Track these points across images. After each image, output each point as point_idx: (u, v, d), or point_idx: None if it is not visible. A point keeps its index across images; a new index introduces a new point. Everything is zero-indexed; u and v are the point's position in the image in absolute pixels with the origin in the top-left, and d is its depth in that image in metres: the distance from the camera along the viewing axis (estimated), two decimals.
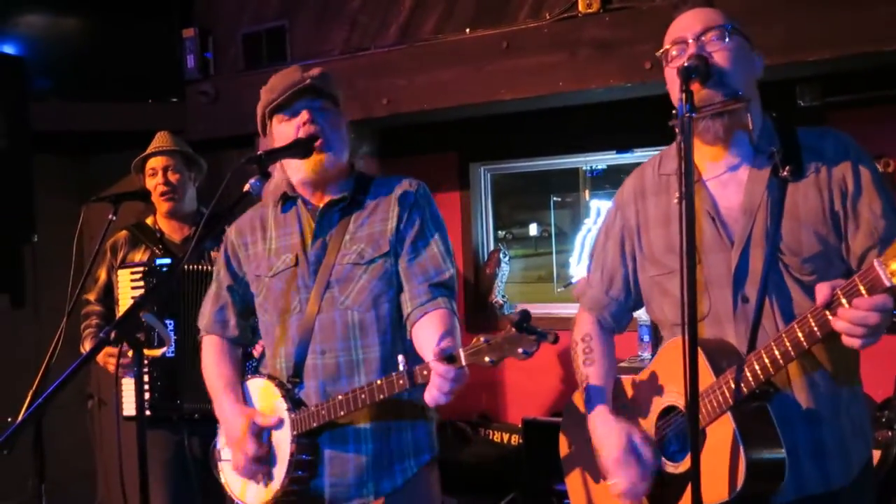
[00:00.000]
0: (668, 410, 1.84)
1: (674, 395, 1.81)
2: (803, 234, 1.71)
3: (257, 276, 2.21)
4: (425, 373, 1.82)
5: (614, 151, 4.22)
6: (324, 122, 2.09)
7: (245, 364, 2.42)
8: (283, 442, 2.08)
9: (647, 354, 3.77)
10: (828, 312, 1.48)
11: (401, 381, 1.88)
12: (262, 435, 2.11)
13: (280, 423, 2.09)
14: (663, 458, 1.83)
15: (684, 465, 1.77)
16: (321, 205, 2.16)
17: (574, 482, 2.10)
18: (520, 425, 4.13)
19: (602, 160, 4.41)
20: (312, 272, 2.11)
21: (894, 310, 1.47)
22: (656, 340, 3.66)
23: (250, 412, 2.13)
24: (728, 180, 1.80)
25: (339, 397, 1.99)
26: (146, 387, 2.85)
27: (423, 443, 2.16)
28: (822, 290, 1.48)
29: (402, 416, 2.11)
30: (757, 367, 1.62)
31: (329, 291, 2.08)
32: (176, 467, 3.06)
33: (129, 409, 2.98)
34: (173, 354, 3.00)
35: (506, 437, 4.24)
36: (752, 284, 1.73)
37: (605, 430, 1.88)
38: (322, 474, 2.08)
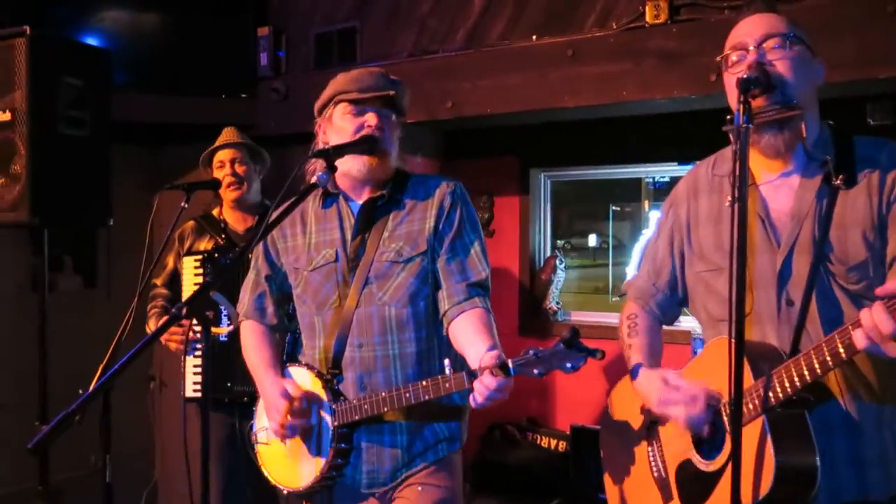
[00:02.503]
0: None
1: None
2: (850, 242, 1.71)
3: (296, 269, 2.29)
4: (472, 381, 1.89)
5: (676, 163, 4.20)
6: (386, 132, 2.19)
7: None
8: (324, 431, 2.17)
9: None
10: None
11: (447, 385, 1.95)
12: (300, 402, 2.18)
13: (320, 404, 2.18)
14: (696, 456, 1.84)
15: (716, 463, 1.78)
16: (361, 201, 2.24)
17: (610, 485, 2.14)
18: (568, 432, 4.15)
19: (663, 171, 4.38)
20: (352, 268, 2.19)
21: None
22: None
23: (288, 381, 2.22)
24: (780, 185, 1.81)
25: (384, 394, 2.06)
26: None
27: (455, 434, 2.25)
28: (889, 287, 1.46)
29: (440, 414, 2.20)
30: (794, 374, 1.62)
31: (368, 287, 2.16)
32: (229, 446, 3.18)
33: (189, 390, 3.10)
34: (226, 338, 3.10)
35: (553, 442, 4.24)
36: (796, 288, 1.74)
37: (645, 383, 1.92)
38: (359, 462, 2.17)
